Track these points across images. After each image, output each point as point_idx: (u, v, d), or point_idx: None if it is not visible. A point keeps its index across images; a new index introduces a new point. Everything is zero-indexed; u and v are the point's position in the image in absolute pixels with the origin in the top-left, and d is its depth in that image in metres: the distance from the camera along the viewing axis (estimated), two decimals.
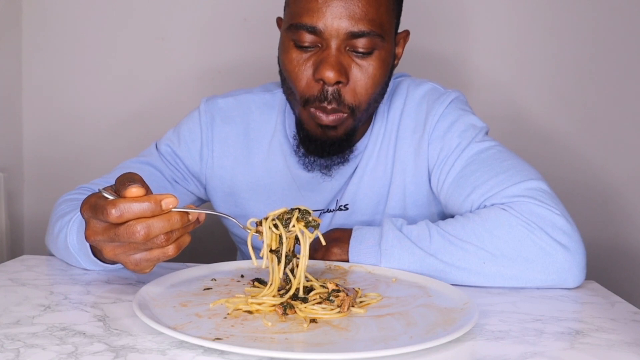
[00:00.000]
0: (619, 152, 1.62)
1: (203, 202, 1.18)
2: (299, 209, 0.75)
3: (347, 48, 0.95)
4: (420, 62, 1.59)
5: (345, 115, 0.97)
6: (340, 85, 0.95)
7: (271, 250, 0.75)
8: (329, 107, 0.95)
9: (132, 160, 1.09)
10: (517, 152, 1.01)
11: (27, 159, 1.68)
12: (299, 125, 1.02)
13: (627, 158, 1.62)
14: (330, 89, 0.94)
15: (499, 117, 1.60)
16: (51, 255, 0.99)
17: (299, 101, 0.98)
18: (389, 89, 1.08)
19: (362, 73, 0.95)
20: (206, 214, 0.72)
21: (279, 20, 1.06)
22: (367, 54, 0.95)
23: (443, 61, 1.62)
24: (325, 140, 0.99)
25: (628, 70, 1.60)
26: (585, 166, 1.63)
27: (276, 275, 0.75)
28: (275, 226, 0.75)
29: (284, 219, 0.75)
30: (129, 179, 0.68)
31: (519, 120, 1.62)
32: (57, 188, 1.48)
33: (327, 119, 0.96)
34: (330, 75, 0.93)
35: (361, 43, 0.94)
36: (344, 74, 0.94)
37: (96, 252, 0.84)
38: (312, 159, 1.04)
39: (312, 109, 0.97)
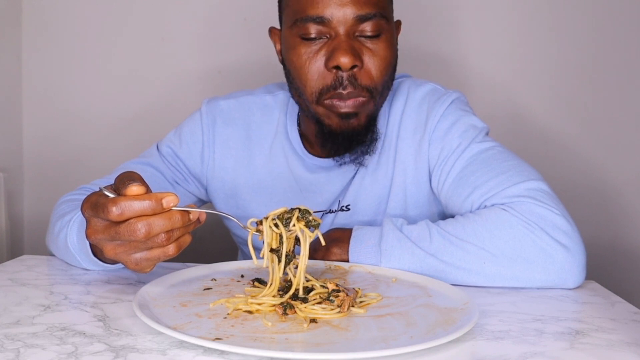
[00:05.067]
0: (619, 152, 1.62)
1: (204, 203, 1.18)
2: (299, 209, 0.75)
3: (356, 34, 0.95)
4: (420, 63, 1.59)
5: (364, 99, 0.96)
6: (355, 69, 0.94)
7: (271, 250, 0.75)
8: (345, 92, 0.94)
9: (132, 161, 1.09)
10: (517, 152, 1.01)
11: (27, 159, 1.68)
12: (318, 124, 0.99)
13: (627, 158, 1.62)
14: (345, 74, 0.94)
15: (499, 117, 1.60)
16: (51, 255, 0.99)
17: (312, 97, 0.97)
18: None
19: (374, 56, 0.96)
20: (207, 214, 0.72)
21: (272, 30, 1.06)
22: (375, 37, 0.95)
23: (442, 62, 1.62)
24: (350, 132, 0.97)
25: (628, 70, 1.60)
26: (585, 166, 1.63)
27: (276, 275, 0.75)
28: (276, 225, 0.75)
29: (284, 219, 0.75)
30: (129, 177, 0.68)
31: (519, 120, 1.62)
32: (57, 188, 1.48)
33: (345, 105, 0.95)
34: (345, 60, 0.92)
35: (369, 26, 0.94)
36: (358, 57, 0.94)
37: (96, 252, 0.84)
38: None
39: (328, 101, 0.96)
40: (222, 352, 0.59)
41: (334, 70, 0.94)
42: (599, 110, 1.61)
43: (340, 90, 0.94)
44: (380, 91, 0.98)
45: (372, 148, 1.03)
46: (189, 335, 0.59)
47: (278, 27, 1.06)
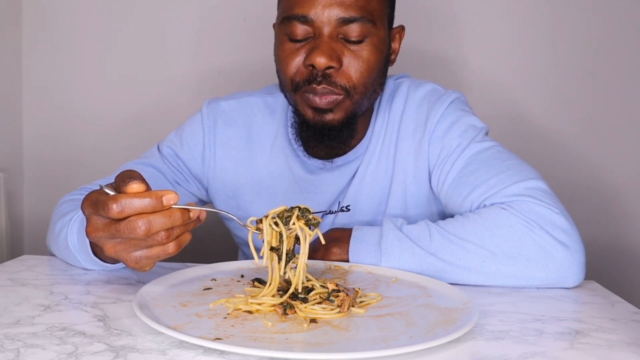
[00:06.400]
0: (619, 152, 1.62)
1: (204, 203, 1.18)
2: (299, 207, 0.75)
3: (340, 36, 0.95)
4: (419, 63, 1.59)
5: (340, 97, 0.96)
6: (331, 70, 0.95)
7: (271, 249, 0.75)
8: (319, 87, 0.95)
9: (134, 161, 1.09)
10: (517, 152, 1.02)
11: (27, 159, 1.68)
12: (295, 112, 1.02)
13: (627, 158, 1.62)
14: (320, 72, 0.95)
15: (499, 117, 1.60)
16: (51, 255, 0.99)
17: (290, 87, 0.99)
18: (389, 90, 1.08)
19: (355, 58, 0.96)
20: (207, 212, 0.72)
21: (274, 26, 1.06)
22: (359, 41, 0.96)
23: (442, 62, 1.62)
24: (323, 125, 0.98)
25: (628, 70, 1.60)
26: (585, 166, 1.63)
27: (276, 274, 0.75)
28: (276, 224, 0.75)
29: (284, 217, 0.75)
30: (129, 175, 0.69)
31: (519, 120, 1.62)
32: (57, 188, 1.48)
33: (320, 101, 0.96)
34: (321, 60, 0.93)
35: (353, 30, 0.95)
36: (335, 59, 0.94)
37: (97, 251, 0.84)
38: (313, 150, 1.04)
39: (304, 93, 0.97)
40: (222, 352, 0.59)
41: (310, 68, 0.95)
42: (599, 110, 1.61)
43: (314, 85, 0.95)
44: (360, 91, 0.98)
45: (347, 145, 1.03)
46: (189, 335, 0.59)
47: None
